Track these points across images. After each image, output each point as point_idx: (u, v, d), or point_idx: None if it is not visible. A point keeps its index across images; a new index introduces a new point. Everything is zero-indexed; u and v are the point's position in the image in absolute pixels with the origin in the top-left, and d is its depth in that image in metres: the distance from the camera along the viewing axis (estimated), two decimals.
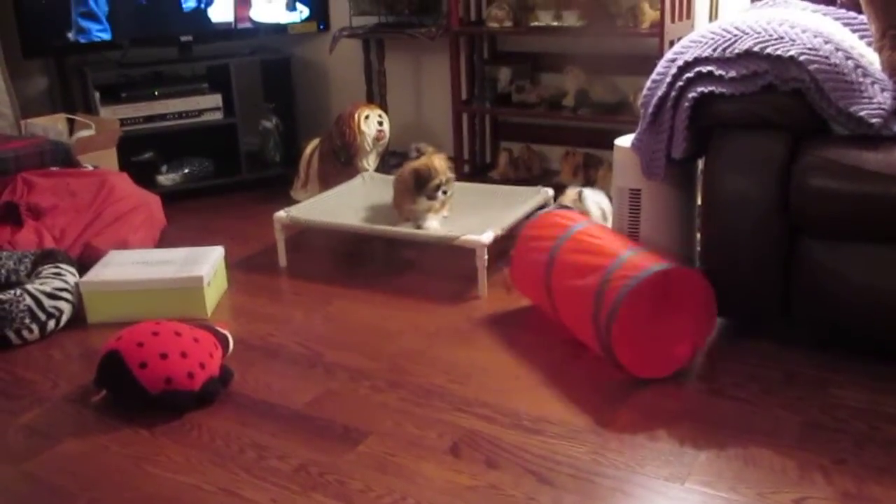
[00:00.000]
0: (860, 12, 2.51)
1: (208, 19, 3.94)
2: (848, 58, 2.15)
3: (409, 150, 3.04)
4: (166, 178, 3.91)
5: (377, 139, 3.54)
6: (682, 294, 2.17)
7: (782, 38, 2.15)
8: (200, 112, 3.92)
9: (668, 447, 1.89)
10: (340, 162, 3.55)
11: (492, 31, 3.47)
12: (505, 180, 3.49)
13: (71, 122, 3.69)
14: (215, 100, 3.93)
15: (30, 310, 2.50)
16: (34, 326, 2.52)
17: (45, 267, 2.69)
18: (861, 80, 2.14)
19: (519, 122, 3.78)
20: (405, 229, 2.87)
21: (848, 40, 2.26)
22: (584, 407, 2.07)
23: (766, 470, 1.79)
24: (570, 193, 2.91)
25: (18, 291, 2.50)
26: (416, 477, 1.82)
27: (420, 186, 2.86)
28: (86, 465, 1.92)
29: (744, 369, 2.21)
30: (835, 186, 2.07)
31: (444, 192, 2.89)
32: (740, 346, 2.33)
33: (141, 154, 3.99)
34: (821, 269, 2.14)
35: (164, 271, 2.68)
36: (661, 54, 2.86)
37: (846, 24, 2.43)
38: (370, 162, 3.57)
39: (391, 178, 3.40)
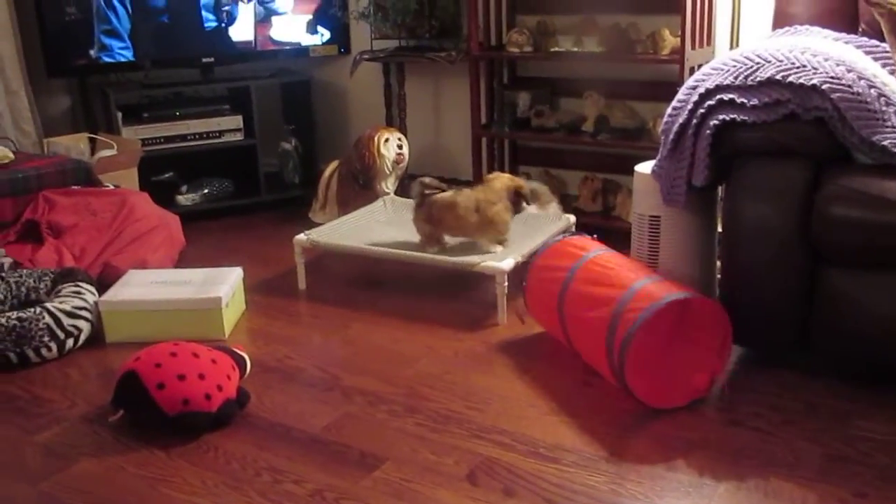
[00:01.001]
0: (882, 40, 2.50)
1: (230, 40, 3.97)
2: (871, 87, 2.14)
3: (414, 186, 2.98)
4: (186, 199, 3.93)
5: (396, 162, 3.55)
6: (696, 323, 2.17)
7: (804, 66, 2.15)
8: (221, 133, 3.94)
9: (688, 478, 1.87)
10: (359, 185, 3.56)
11: (512, 56, 3.48)
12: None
13: (93, 141, 3.72)
14: (236, 121, 3.95)
15: (49, 328, 2.51)
16: (53, 345, 2.53)
17: (65, 285, 2.70)
18: (884, 108, 2.13)
19: (538, 146, 3.78)
20: (427, 254, 2.86)
21: (871, 69, 2.25)
22: (602, 435, 2.05)
23: (786, 502, 1.77)
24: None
25: (38, 310, 2.51)
26: None
27: (522, 204, 2.89)
28: (102, 485, 1.92)
29: (764, 399, 2.19)
30: (857, 216, 2.05)
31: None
32: (760, 375, 2.31)
33: (161, 174, 4.01)
34: (843, 298, 2.13)
35: (183, 292, 2.68)
36: (681, 81, 2.86)
37: (868, 53, 2.42)
38: (389, 185, 3.57)
39: (412, 201, 3.40)
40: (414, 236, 3.03)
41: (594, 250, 2.45)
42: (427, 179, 2.96)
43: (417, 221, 2.95)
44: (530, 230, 3.05)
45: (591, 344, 2.25)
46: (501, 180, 2.90)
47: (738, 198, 2.22)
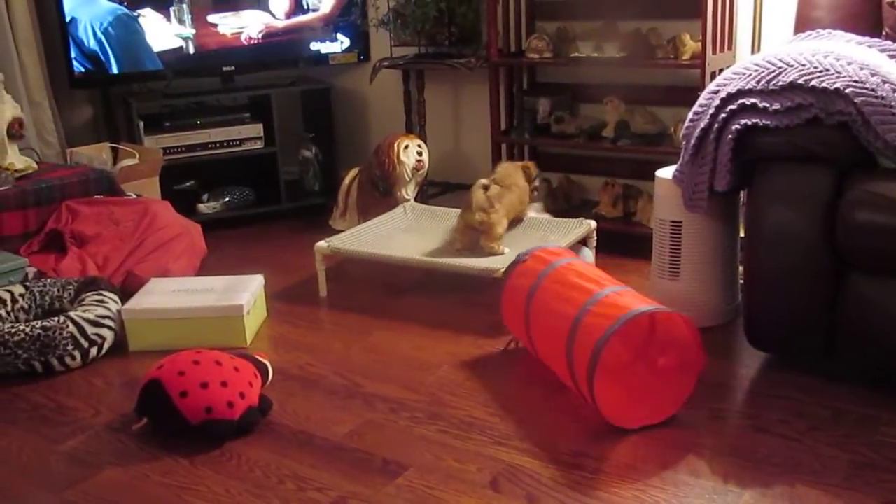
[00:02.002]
0: None
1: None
2: (895, 90, 2.12)
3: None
4: (207, 207, 3.95)
5: (416, 169, 3.55)
6: (659, 337, 2.19)
7: (828, 70, 2.13)
8: (241, 141, 3.96)
9: (712, 484, 1.86)
10: (379, 192, 3.56)
11: (531, 62, 3.47)
12: (544, 211, 3.48)
13: (115, 150, 3.74)
14: (256, 129, 3.97)
15: (73, 337, 2.52)
16: (77, 353, 2.54)
17: (88, 294, 2.72)
18: None
19: (558, 152, 3.77)
20: (447, 260, 2.86)
21: (895, 73, 2.23)
22: (625, 442, 2.04)
23: None
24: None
25: (62, 318, 2.53)
26: None
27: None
28: (126, 494, 1.93)
29: (789, 406, 2.17)
30: (882, 221, 2.03)
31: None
32: (785, 381, 2.29)
33: (183, 183, 4.03)
34: (868, 304, 2.11)
35: (205, 300, 2.69)
36: (702, 86, 2.85)
37: (892, 56, 2.40)
38: (409, 192, 3.57)
39: (433, 208, 3.42)
40: (433, 242, 3.04)
41: (543, 273, 2.36)
42: (484, 181, 3.00)
43: (498, 223, 2.93)
44: (553, 236, 3.04)
45: (561, 375, 2.25)
46: (510, 164, 3.18)
47: (760, 203, 2.21)
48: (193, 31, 3.88)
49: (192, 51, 3.90)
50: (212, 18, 3.90)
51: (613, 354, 2.17)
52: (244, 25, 3.96)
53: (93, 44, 3.73)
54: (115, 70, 3.80)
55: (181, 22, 3.86)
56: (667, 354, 2.16)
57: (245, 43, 3.98)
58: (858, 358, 2.20)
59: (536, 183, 3.22)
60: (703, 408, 2.17)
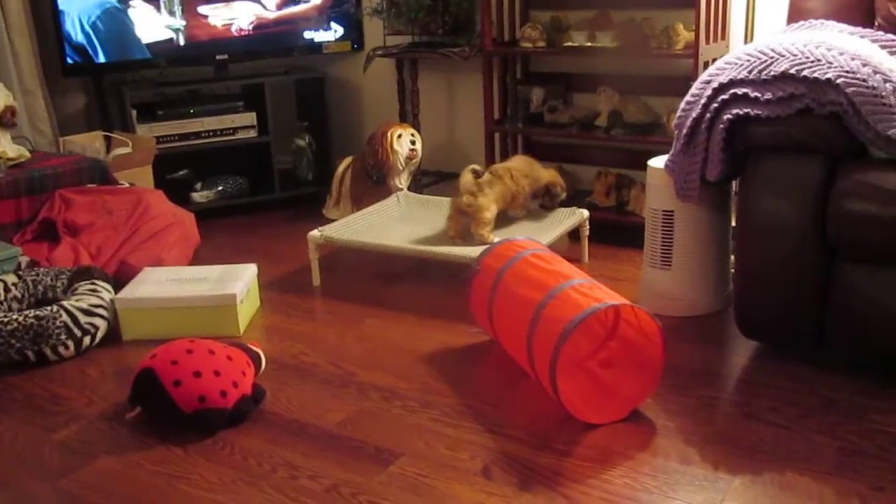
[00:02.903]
0: None
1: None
2: (886, 81, 2.13)
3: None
4: (200, 196, 3.95)
5: (409, 158, 3.55)
6: (619, 330, 2.23)
7: (819, 60, 2.14)
8: (235, 130, 3.95)
9: (702, 472, 1.87)
10: (372, 181, 3.57)
11: (525, 51, 3.47)
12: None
13: (108, 139, 3.74)
14: (250, 118, 3.96)
15: (66, 326, 2.52)
16: (70, 343, 2.54)
17: (82, 283, 2.72)
18: None
19: (551, 142, 3.77)
20: (439, 249, 2.87)
21: (886, 63, 2.23)
22: (616, 429, 2.05)
23: (802, 496, 1.77)
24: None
25: (55, 308, 2.53)
26: (447, 499, 1.82)
27: (549, 198, 3.14)
28: (120, 482, 1.93)
29: (779, 393, 2.18)
30: (873, 211, 2.05)
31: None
32: (775, 369, 2.30)
33: (176, 172, 4.03)
34: (858, 294, 2.12)
35: (198, 289, 2.70)
36: (695, 75, 2.85)
37: (884, 47, 2.41)
38: (402, 181, 3.58)
39: (426, 197, 3.42)
40: (426, 231, 3.05)
41: (504, 266, 2.35)
42: (475, 166, 3.00)
43: (486, 207, 2.92)
44: (545, 225, 3.05)
45: (526, 363, 2.24)
46: (524, 162, 3.14)
47: (752, 193, 2.21)
48: (184, 23, 3.87)
49: (182, 42, 3.89)
50: (202, 10, 3.89)
51: (571, 354, 2.21)
52: (235, 17, 3.95)
53: (80, 37, 3.72)
54: (102, 61, 3.78)
55: (171, 13, 3.84)
56: (609, 345, 2.22)
57: (236, 34, 3.97)
58: (848, 347, 2.21)
59: (555, 202, 3.15)
60: (694, 395, 2.19)
